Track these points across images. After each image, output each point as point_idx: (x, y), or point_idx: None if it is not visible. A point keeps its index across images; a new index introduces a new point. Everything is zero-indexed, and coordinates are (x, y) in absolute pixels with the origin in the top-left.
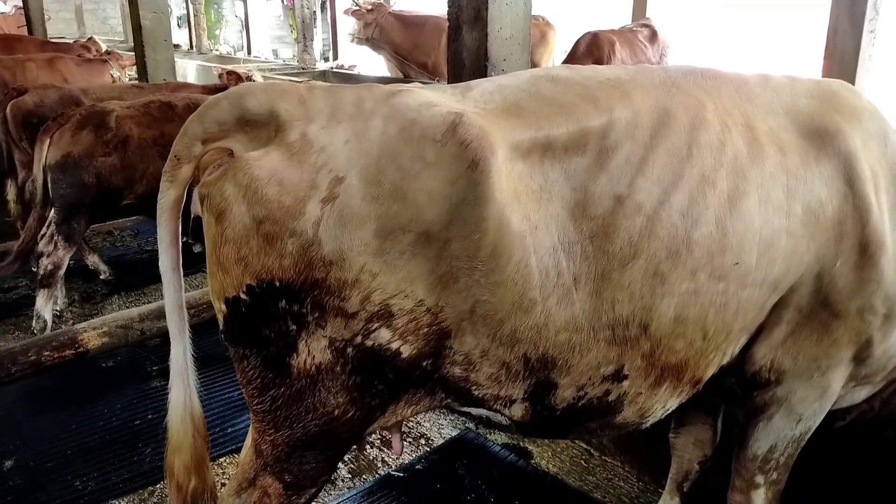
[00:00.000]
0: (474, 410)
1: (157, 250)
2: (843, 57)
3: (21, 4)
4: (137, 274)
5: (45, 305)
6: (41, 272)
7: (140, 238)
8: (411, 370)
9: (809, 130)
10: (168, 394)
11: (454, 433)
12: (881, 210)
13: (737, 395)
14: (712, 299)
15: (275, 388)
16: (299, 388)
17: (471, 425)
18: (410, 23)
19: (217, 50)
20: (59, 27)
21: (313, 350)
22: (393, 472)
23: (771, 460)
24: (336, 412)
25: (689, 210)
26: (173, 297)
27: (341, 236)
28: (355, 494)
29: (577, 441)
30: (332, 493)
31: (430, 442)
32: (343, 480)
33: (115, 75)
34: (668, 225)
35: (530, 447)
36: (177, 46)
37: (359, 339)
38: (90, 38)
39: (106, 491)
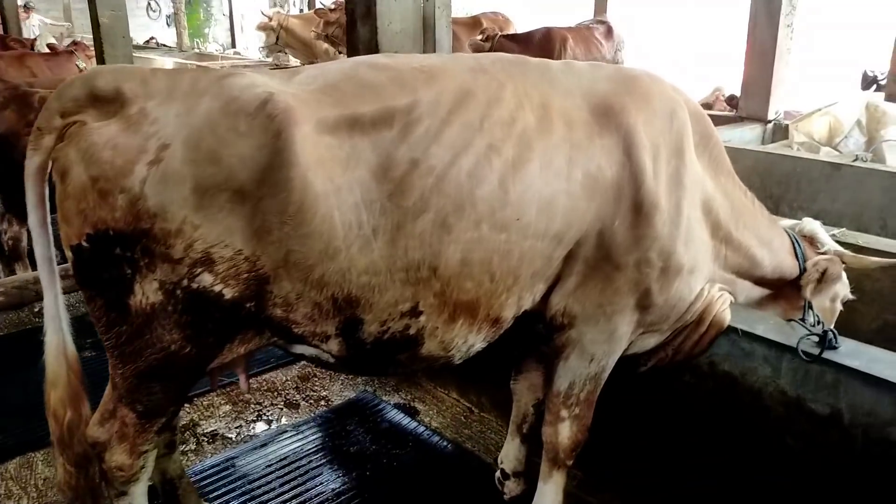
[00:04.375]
0: (299, 348)
1: None
2: (762, 49)
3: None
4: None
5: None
6: (6, 249)
7: None
8: (236, 311)
9: (598, 108)
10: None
11: (352, 395)
12: (657, 176)
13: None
14: (495, 247)
15: (118, 325)
16: (138, 325)
17: (368, 389)
18: None
19: (203, 48)
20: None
21: (147, 291)
22: (288, 428)
23: (572, 396)
24: (173, 347)
25: (475, 172)
26: (43, 250)
27: (163, 192)
28: (252, 448)
29: (461, 399)
30: (230, 446)
31: (329, 403)
32: (240, 434)
33: (81, 66)
34: (455, 184)
35: (418, 406)
36: (164, 45)
37: (185, 282)
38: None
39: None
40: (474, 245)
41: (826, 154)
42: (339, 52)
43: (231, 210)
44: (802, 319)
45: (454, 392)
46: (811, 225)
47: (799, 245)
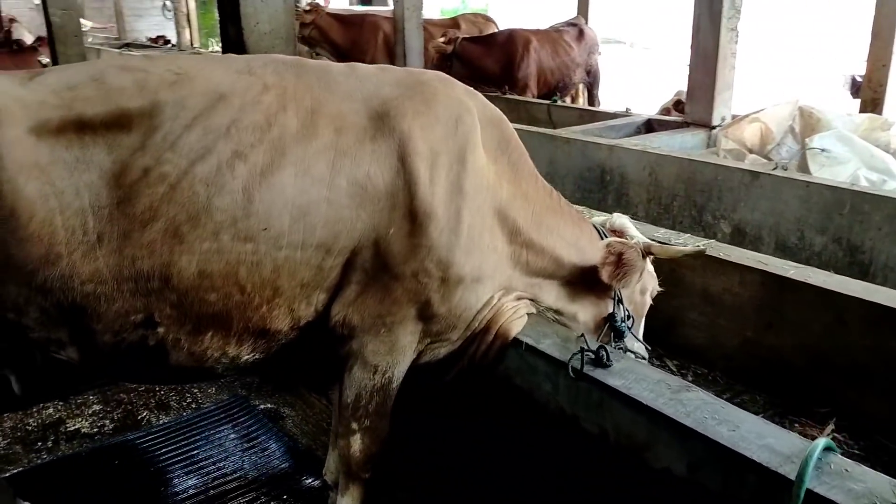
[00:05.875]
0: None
1: None
2: (705, 53)
3: None
4: None
5: None
6: None
7: None
8: None
9: (376, 114)
10: None
11: (225, 398)
12: (434, 183)
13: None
14: (240, 258)
15: None
16: None
17: (243, 391)
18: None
19: (218, 48)
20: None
21: None
22: (154, 429)
23: (360, 408)
24: None
25: (214, 180)
26: None
27: None
28: (114, 444)
29: (330, 406)
30: (89, 444)
31: (199, 405)
32: (107, 434)
33: (44, 62)
34: (189, 192)
35: (286, 411)
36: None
37: None
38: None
39: None
40: (213, 256)
41: (749, 162)
42: (317, 54)
43: None
44: (612, 315)
45: (325, 399)
46: (620, 220)
47: (604, 237)
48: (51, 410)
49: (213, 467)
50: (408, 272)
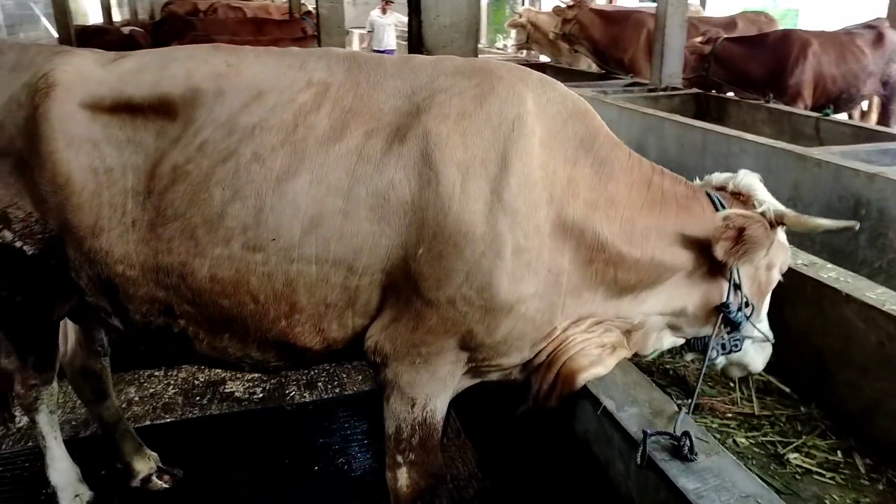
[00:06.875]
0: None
1: None
2: None
3: None
4: None
5: None
6: None
7: None
8: (41, 266)
9: (417, 110)
10: None
11: (366, 388)
12: (470, 198)
13: None
14: (250, 268)
15: None
16: None
17: None
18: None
19: (506, 42)
20: None
21: None
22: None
23: (402, 441)
24: (4, 293)
25: (231, 183)
26: None
27: None
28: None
29: None
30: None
31: (344, 390)
32: (255, 402)
33: (309, 27)
34: (205, 195)
35: None
36: None
37: None
38: None
39: None
40: (224, 262)
41: None
42: (576, 51)
43: (20, 175)
44: (726, 305)
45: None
46: (747, 179)
47: (723, 208)
48: (219, 370)
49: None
50: (442, 299)
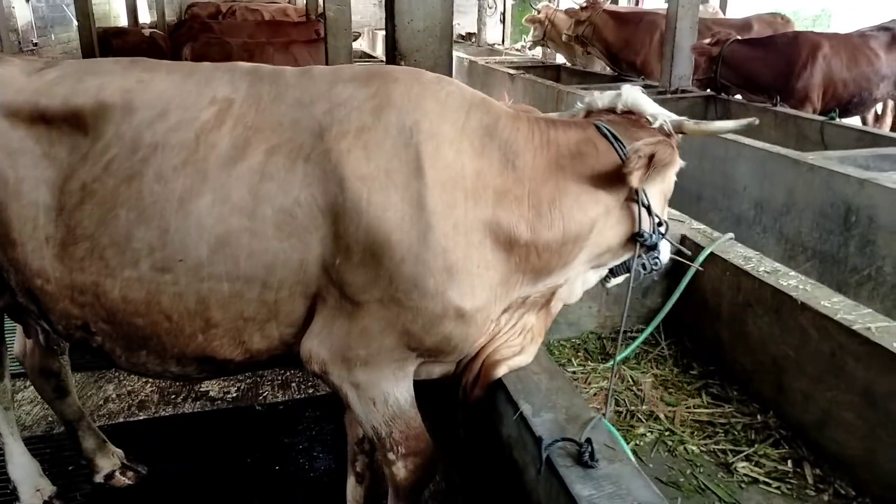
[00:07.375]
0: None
1: None
2: None
3: None
4: None
5: None
6: None
7: None
8: None
9: (318, 127)
10: None
11: None
12: (379, 209)
13: None
14: (160, 288)
15: None
16: None
17: None
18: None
19: (527, 46)
20: None
21: None
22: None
23: (384, 439)
24: None
25: (135, 205)
26: None
27: None
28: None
29: None
30: (209, 406)
31: (317, 390)
32: (228, 401)
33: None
34: (112, 216)
35: None
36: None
37: None
38: None
39: None
40: (134, 283)
41: None
42: (588, 53)
43: None
44: (641, 234)
45: None
46: (630, 94)
47: (615, 140)
48: None
49: (299, 455)
50: (371, 300)
